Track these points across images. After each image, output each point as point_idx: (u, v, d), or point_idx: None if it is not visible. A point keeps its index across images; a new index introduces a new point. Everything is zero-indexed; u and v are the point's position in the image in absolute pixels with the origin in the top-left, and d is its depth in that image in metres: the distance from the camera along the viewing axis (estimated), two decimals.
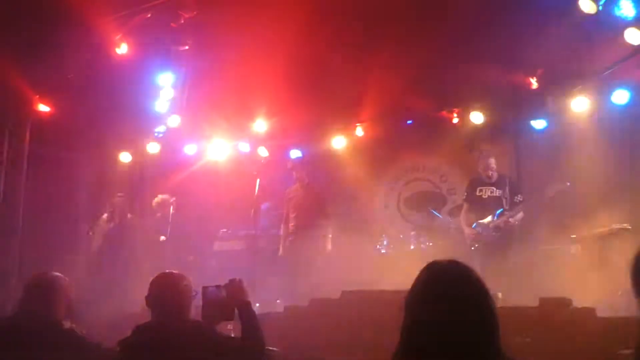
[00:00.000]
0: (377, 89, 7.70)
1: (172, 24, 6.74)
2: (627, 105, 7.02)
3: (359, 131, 8.63)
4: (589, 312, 4.55)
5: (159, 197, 7.70)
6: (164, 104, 7.61)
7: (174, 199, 7.56)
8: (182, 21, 6.76)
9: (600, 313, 4.52)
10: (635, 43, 5.98)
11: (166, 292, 2.98)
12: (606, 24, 6.01)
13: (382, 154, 8.90)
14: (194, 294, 3.11)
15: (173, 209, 7.49)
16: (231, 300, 3.03)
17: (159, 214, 7.62)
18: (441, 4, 6.54)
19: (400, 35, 6.83)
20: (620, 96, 7.01)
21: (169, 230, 7.38)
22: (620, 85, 6.98)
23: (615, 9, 5.80)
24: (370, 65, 7.48)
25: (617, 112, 7.08)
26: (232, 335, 3.42)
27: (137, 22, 6.62)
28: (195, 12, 6.70)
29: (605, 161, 7.00)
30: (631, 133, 6.84)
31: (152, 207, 7.75)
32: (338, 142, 8.64)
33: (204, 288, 3.08)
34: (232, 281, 3.06)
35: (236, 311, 3.04)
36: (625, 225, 6.10)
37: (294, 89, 7.61)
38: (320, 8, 6.46)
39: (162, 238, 7.40)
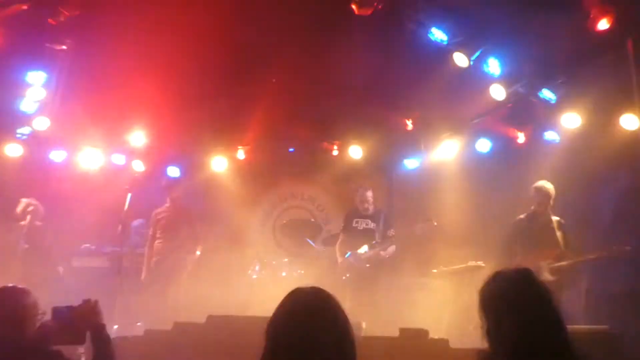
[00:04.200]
0: (261, 114, 7.73)
1: (50, 20, 6.28)
2: (488, 154, 7.66)
3: (241, 154, 8.56)
4: (444, 342, 4.82)
5: (25, 202, 6.94)
6: (32, 104, 6.99)
7: (32, 207, 6.90)
8: (63, 19, 6.32)
9: (453, 344, 4.79)
10: (499, 98, 6.56)
11: (4, 308, 2.67)
12: (476, 78, 6.54)
13: (262, 178, 8.88)
14: (41, 313, 2.83)
15: (30, 218, 6.82)
16: (83, 322, 2.79)
17: (23, 222, 6.86)
18: (325, 40, 6.73)
19: (285, 66, 6.93)
20: (483, 145, 7.65)
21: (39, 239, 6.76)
22: (484, 135, 7.62)
23: (484, 65, 6.34)
24: (254, 91, 7.49)
25: (480, 159, 7.69)
26: None
27: (10, 12, 6.08)
28: (78, 12, 6.29)
29: (467, 203, 7.55)
30: (490, 179, 7.44)
31: (16, 213, 6.94)
32: (218, 163, 8.49)
33: (54, 308, 2.81)
34: (86, 302, 2.83)
35: (89, 335, 2.80)
36: (479, 263, 6.57)
37: (176, 104, 7.38)
38: (206, 31, 6.40)
39: (25, 246, 6.72)
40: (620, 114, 6.01)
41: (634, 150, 5.60)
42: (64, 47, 6.67)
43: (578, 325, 5.07)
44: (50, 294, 4.20)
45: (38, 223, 6.92)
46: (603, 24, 5.62)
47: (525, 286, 2.32)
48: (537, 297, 2.29)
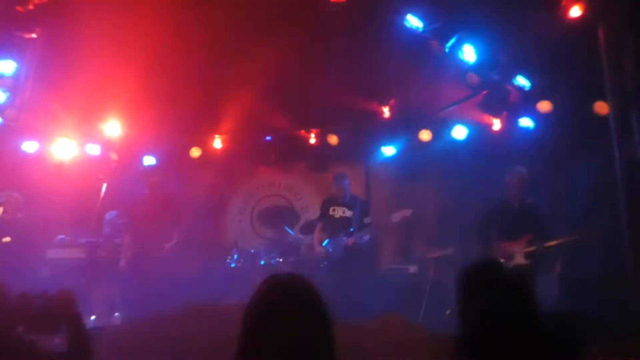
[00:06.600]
0: (238, 102, 7.68)
1: (18, 8, 6.14)
2: (464, 140, 7.73)
3: (217, 143, 8.51)
4: (420, 327, 4.88)
5: (2, 193, 6.84)
6: (2, 94, 6.85)
7: (3, 199, 6.78)
8: (31, 6, 6.19)
9: (429, 330, 4.86)
10: (474, 85, 6.63)
11: None
12: (451, 66, 6.59)
13: (239, 167, 8.84)
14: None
15: (2, 209, 6.71)
16: (58, 311, 2.76)
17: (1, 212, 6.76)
18: (302, 28, 6.71)
19: (261, 53, 6.89)
20: (459, 132, 7.71)
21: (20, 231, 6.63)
22: (460, 122, 7.68)
23: (459, 52, 6.38)
24: (230, 79, 7.45)
25: (456, 146, 7.76)
26: (58, 350, 3.12)
27: None
28: None
29: (443, 190, 7.63)
30: (466, 166, 7.52)
31: None
32: (195, 152, 8.43)
33: (23, 294, 2.78)
34: (60, 291, 2.80)
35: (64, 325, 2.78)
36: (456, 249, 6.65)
37: (151, 93, 7.30)
38: (181, 19, 6.34)
39: (7, 239, 6.62)
40: (593, 100, 6.12)
41: (605, 136, 5.71)
42: (34, 35, 6.53)
43: (550, 308, 5.19)
44: (25, 286, 4.14)
45: (19, 215, 6.82)
46: (575, 12, 5.72)
47: (493, 278, 2.42)
48: (505, 287, 2.37)
